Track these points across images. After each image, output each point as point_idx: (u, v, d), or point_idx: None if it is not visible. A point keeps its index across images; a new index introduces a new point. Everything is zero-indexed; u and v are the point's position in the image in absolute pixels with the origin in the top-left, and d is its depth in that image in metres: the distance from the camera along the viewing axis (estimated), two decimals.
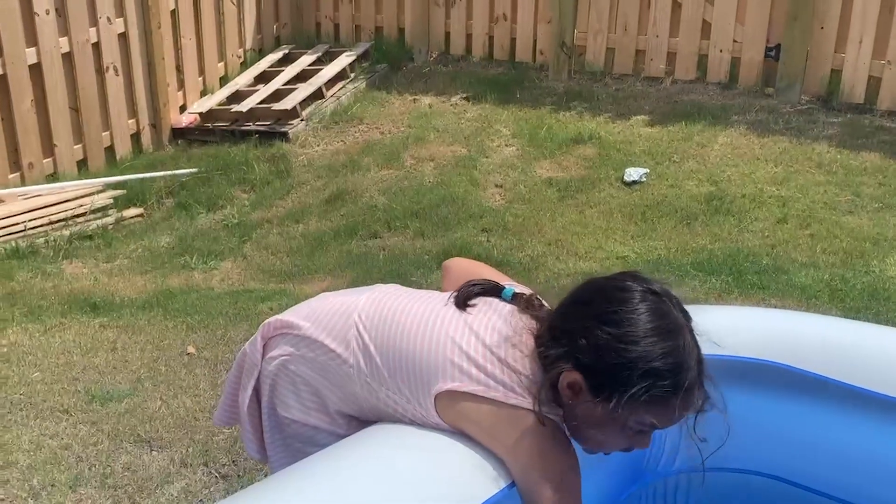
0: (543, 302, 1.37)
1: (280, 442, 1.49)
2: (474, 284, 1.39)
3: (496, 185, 4.54)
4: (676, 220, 4.03)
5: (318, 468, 1.20)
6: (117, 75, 5.07)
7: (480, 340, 1.29)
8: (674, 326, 1.22)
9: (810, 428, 1.64)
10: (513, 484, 1.24)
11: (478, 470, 1.24)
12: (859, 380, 1.55)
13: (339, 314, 1.41)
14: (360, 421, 1.41)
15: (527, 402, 1.24)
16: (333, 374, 1.39)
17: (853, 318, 3.05)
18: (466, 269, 1.56)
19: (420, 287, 3.42)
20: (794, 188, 4.21)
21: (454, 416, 1.28)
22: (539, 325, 1.30)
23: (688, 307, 1.70)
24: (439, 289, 1.54)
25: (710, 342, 1.27)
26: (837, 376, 1.56)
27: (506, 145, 4.93)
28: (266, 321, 1.48)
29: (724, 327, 1.65)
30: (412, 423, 1.33)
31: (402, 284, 3.59)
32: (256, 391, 1.49)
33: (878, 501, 1.57)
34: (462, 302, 1.36)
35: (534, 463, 1.22)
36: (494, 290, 1.38)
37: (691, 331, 1.24)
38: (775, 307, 3.17)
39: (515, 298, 1.37)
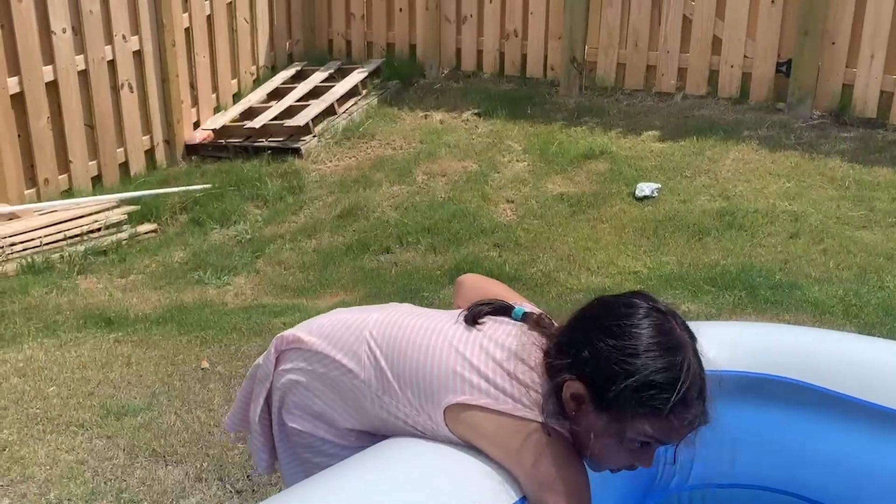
0: (553, 321, 1.39)
1: (290, 452, 1.52)
2: (484, 304, 1.41)
3: (507, 201, 4.56)
4: (688, 235, 4.03)
5: (332, 483, 1.20)
6: (132, 92, 5.13)
7: (490, 355, 1.32)
8: (675, 343, 1.24)
9: (822, 444, 1.64)
10: (524, 498, 1.25)
11: (487, 482, 1.25)
12: (873, 396, 1.54)
13: (350, 330, 1.44)
14: (368, 434, 1.44)
15: (535, 415, 1.26)
16: (344, 388, 1.41)
17: (867, 335, 3.04)
18: (479, 286, 1.58)
19: (432, 303, 3.45)
20: (807, 203, 4.20)
21: (463, 428, 1.30)
22: (548, 341, 1.32)
23: (700, 322, 1.70)
24: (451, 304, 1.56)
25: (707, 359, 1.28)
26: (851, 392, 1.56)
27: (517, 161, 4.95)
28: (280, 334, 1.51)
29: (736, 343, 1.66)
30: (422, 435, 1.35)
31: (414, 299, 3.61)
32: (268, 402, 1.51)
33: None
34: (472, 320, 1.38)
35: (543, 474, 1.23)
36: (504, 310, 1.41)
37: (695, 350, 1.26)
38: (788, 323, 3.16)
39: (525, 317, 1.39)
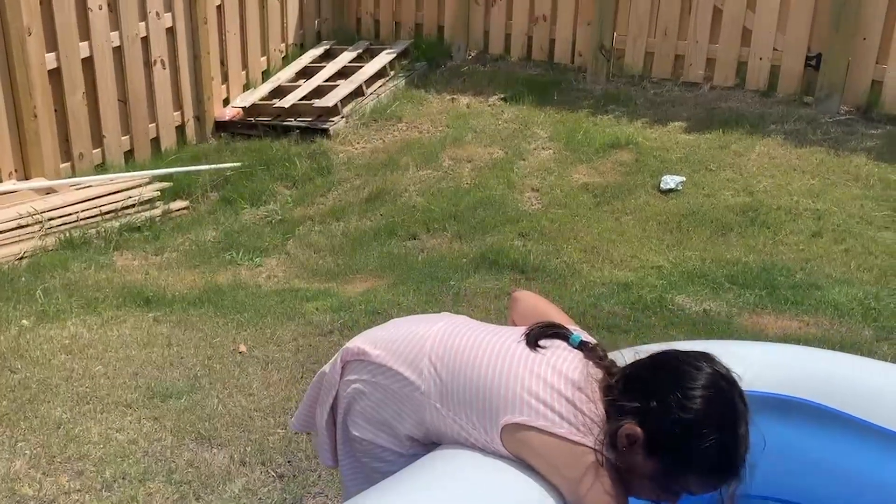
0: (607, 352, 1.49)
1: (350, 455, 1.63)
2: (544, 326, 1.50)
3: (533, 189, 4.62)
4: (712, 230, 4.09)
5: (396, 490, 1.31)
6: (164, 69, 5.21)
7: (550, 381, 1.41)
8: (736, 415, 1.35)
9: (835, 460, 1.73)
10: None
11: (535, 494, 1.35)
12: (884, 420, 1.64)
13: (412, 344, 1.54)
14: (421, 444, 1.54)
15: (588, 441, 1.36)
16: (405, 399, 1.51)
17: (885, 339, 3.11)
18: (535, 305, 1.68)
19: (458, 291, 3.52)
20: (830, 201, 4.24)
21: (518, 446, 1.40)
22: (604, 375, 1.41)
23: (728, 341, 1.80)
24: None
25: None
26: (864, 416, 1.66)
27: (543, 148, 5.00)
28: (345, 346, 1.61)
29: (762, 364, 1.75)
30: (474, 446, 1.45)
31: (442, 288, 3.69)
32: (333, 408, 1.62)
33: None
34: (533, 342, 1.48)
35: (591, 497, 1.34)
36: (563, 335, 1.50)
37: (747, 421, 1.36)
38: (808, 324, 3.24)
39: (582, 346, 1.48)
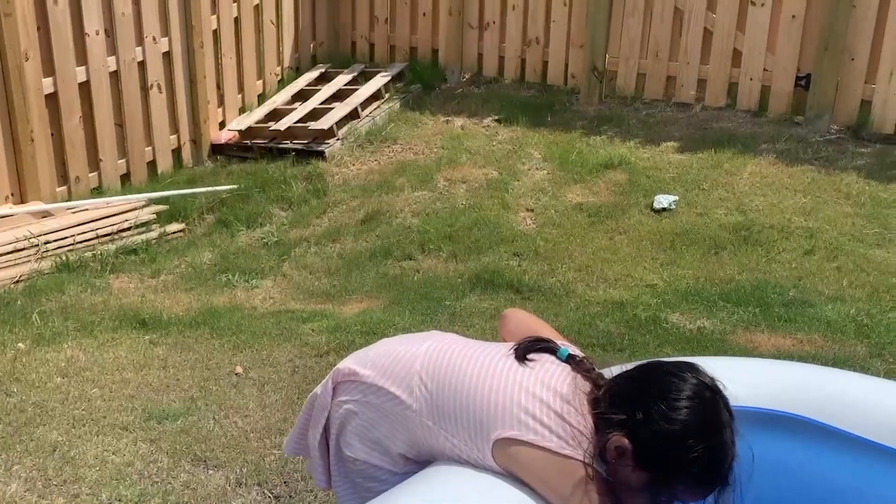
0: (594, 365, 1.50)
1: (344, 475, 1.64)
2: (533, 341, 1.52)
3: (527, 209, 4.65)
4: (705, 249, 4.12)
5: None
6: (160, 93, 5.25)
7: (539, 395, 1.43)
8: (720, 423, 1.37)
9: (828, 476, 1.74)
10: None
11: None
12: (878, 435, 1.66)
13: (401, 363, 1.55)
14: (414, 462, 1.55)
15: (577, 454, 1.38)
16: (396, 418, 1.53)
17: (878, 355, 3.14)
18: (525, 322, 1.70)
19: (454, 311, 3.54)
20: (822, 219, 4.28)
21: (508, 461, 1.41)
22: (592, 388, 1.43)
23: (723, 358, 1.81)
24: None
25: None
26: (858, 431, 1.67)
27: (537, 169, 5.04)
28: (336, 367, 1.63)
29: (754, 381, 1.77)
30: (466, 463, 1.46)
31: (438, 308, 3.70)
32: (325, 429, 1.63)
33: None
34: (522, 355, 1.49)
35: None
36: (551, 349, 1.51)
37: (732, 429, 1.39)
38: (801, 341, 3.26)
39: (570, 359, 1.49)
